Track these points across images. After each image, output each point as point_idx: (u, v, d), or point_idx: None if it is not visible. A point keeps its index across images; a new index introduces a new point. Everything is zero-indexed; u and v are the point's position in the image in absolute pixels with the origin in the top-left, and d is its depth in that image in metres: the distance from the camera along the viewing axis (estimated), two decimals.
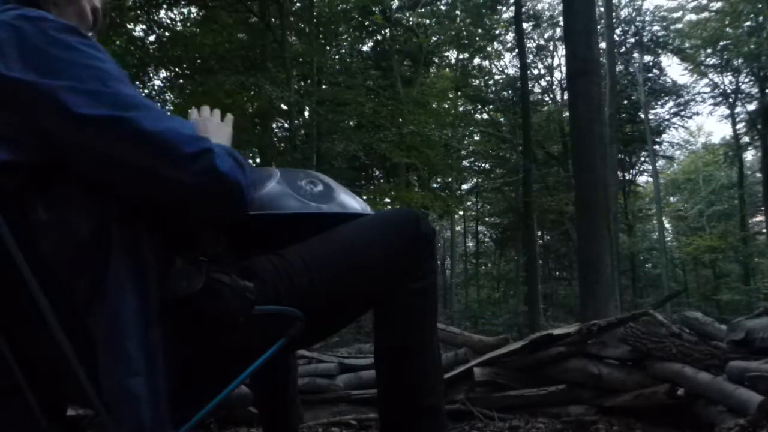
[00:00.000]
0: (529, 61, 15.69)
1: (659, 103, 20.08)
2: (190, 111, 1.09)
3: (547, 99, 19.95)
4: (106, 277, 0.73)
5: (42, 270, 0.71)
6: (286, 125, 11.97)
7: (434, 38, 14.77)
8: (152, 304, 0.76)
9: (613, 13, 14.83)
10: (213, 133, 0.99)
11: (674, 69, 35.71)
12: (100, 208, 0.75)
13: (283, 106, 9.90)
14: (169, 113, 0.81)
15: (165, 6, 9.96)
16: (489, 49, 17.13)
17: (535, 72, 19.20)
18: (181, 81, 10.77)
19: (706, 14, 17.21)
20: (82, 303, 0.73)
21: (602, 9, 12.23)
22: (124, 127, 0.73)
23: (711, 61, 18.57)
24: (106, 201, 0.75)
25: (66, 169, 0.74)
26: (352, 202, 1.17)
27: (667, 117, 20.77)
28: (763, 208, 19.01)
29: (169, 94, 11.19)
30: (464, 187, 18.59)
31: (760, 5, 14.26)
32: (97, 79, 0.73)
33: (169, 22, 10.68)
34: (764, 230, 20.73)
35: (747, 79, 18.18)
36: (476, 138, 16.14)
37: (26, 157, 0.72)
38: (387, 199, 11.05)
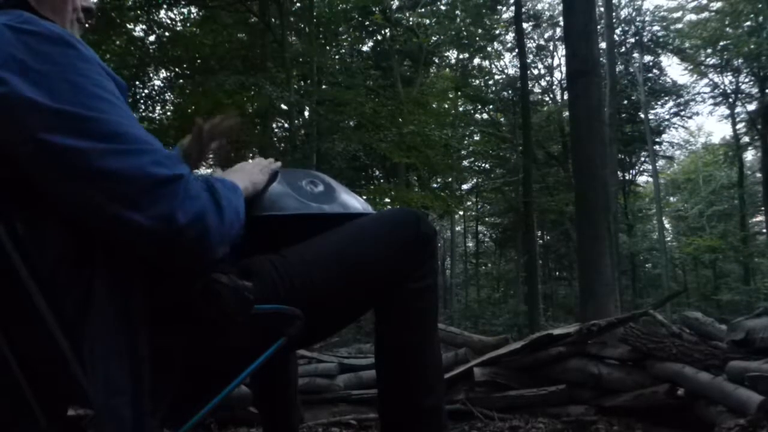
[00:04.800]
0: (529, 61, 15.70)
1: (659, 103, 20.08)
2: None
3: (547, 99, 19.97)
4: (91, 295, 0.71)
5: (35, 277, 0.71)
6: (286, 125, 11.97)
7: (434, 38, 14.77)
8: (137, 320, 0.74)
9: (613, 13, 14.84)
10: (240, 175, 0.99)
11: (674, 69, 35.78)
12: (81, 225, 0.73)
13: (283, 106, 9.91)
14: (147, 139, 0.73)
15: (165, 6, 9.95)
16: (489, 49, 17.14)
17: (535, 72, 19.23)
18: (181, 81, 10.77)
19: (706, 14, 17.23)
20: (73, 314, 0.72)
21: (602, 9, 12.23)
22: (87, 158, 0.68)
23: (711, 61, 18.57)
24: None
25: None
26: (354, 202, 1.17)
27: (667, 117, 20.80)
28: (763, 208, 19.01)
29: (169, 94, 11.19)
30: (464, 187, 18.60)
31: (760, 5, 14.26)
32: (72, 99, 0.69)
33: (169, 22, 10.70)
34: (764, 230, 20.74)
35: (747, 79, 18.19)
36: (476, 138, 16.14)
37: (2, 171, 0.69)
38: (387, 199, 11.05)
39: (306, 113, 10.63)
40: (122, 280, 0.74)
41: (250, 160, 1.08)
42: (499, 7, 16.07)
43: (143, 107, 10.69)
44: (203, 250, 0.75)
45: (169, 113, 10.90)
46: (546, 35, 19.09)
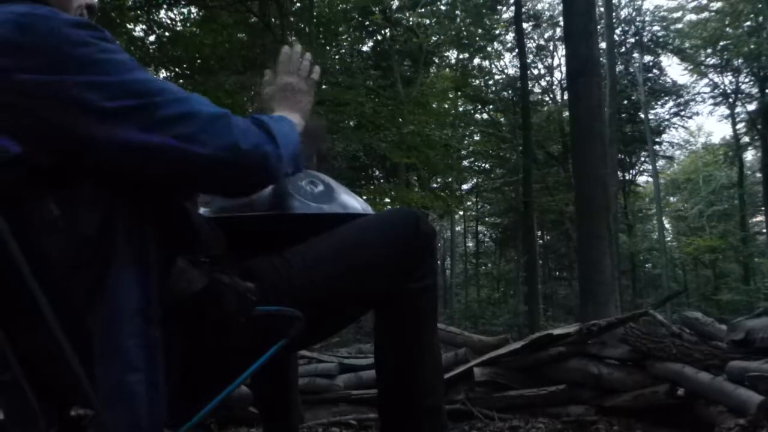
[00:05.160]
0: (529, 61, 15.69)
1: (659, 103, 20.09)
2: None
3: (547, 99, 19.96)
4: (108, 274, 0.73)
5: (42, 268, 0.71)
6: None
7: (434, 38, 14.76)
8: (153, 302, 0.76)
9: (613, 13, 14.84)
10: (287, 103, 1.04)
11: (674, 69, 35.70)
12: (107, 205, 0.75)
13: None
14: (187, 92, 0.82)
15: (165, 6, 9.95)
16: (489, 49, 17.12)
17: (535, 72, 19.22)
18: (181, 81, 10.76)
19: (706, 14, 17.23)
20: (82, 299, 0.73)
21: (602, 9, 12.24)
22: (144, 113, 0.74)
23: (711, 61, 18.58)
24: (113, 197, 0.76)
25: (79, 165, 0.74)
26: (353, 202, 1.17)
27: (667, 117, 20.80)
28: (763, 208, 19.02)
29: None
30: (464, 187, 18.60)
31: (760, 5, 14.26)
32: (112, 71, 0.74)
33: (169, 22, 10.68)
34: (764, 230, 20.75)
35: (747, 79, 18.20)
36: (476, 138, 16.14)
37: (40, 154, 0.71)
38: (387, 199, 11.04)
39: None
40: (143, 260, 0.76)
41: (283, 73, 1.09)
42: (499, 7, 16.06)
43: None
44: (270, 171, 0.84)
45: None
46: (546, 35, 19.10)
